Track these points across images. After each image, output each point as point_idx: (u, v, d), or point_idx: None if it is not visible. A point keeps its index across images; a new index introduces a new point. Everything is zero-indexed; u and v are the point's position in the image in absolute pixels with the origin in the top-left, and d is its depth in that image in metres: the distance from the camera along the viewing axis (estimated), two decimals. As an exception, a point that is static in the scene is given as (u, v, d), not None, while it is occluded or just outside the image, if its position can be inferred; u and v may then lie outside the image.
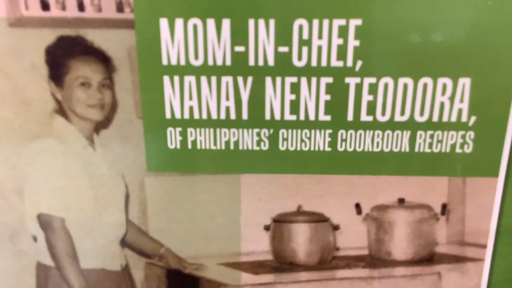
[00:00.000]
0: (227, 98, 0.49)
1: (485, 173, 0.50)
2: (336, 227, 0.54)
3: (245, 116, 0.49)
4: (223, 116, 0.50)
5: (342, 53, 0.46)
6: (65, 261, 0.56)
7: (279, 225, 0.55)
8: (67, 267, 0.56)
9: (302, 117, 0.49)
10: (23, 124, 0.51)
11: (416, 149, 0.50)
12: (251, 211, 0.54)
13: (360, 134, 0.49)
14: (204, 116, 0.50)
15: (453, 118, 0.48)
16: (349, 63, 0.47)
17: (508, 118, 0.48)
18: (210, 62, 0.47)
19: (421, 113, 0.48)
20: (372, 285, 0.56)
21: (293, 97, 0.48)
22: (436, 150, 0.49)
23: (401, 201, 0.53)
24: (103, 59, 0.48)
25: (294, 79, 0.48)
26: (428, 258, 0.54)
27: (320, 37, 0.46)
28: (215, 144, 0.51)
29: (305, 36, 0.46)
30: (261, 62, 0.47)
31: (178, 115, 0.50)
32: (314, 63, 0.47)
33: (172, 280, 0.57)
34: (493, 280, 0.54)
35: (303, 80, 0.48)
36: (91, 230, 0.55)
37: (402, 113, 0.48)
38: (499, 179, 0.50)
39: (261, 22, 0.46)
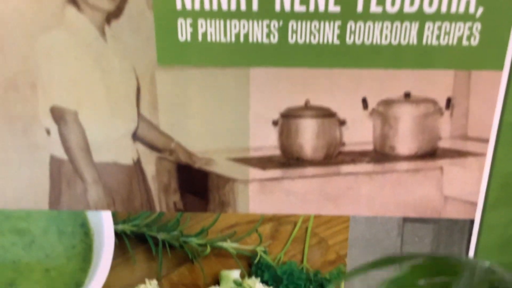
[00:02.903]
0: (238, -12, 0.52)
1: (490, 66, 0.54)
2: (342, 122, 0.59)
3: (255, 7, 0.53)
4: (233, 7, 0.53)
5: None
6: (78, 155, 0.61)
7: (287, 120, 0.59)
8: (80, 161, 0.61)
9: (311, 8, 0.53)
10: (35, 14, 0.54)
11: (424, 42, 0.53)
12: (259, 106, 0.59)
13: (369, 26, 0.53)
14: (215, 7, 0.53)
15: (461, 9, 0.51)
16: (360, -49, 0.50)
17: (515, 9, 0.51)
18: (221, -51, 0.50)
19: (430, 4, 0.51)
20: (375, 180, 0.61)
21: (303, -13, 0.52)
22: (443, 43, 0.53)
23: (407, 95, 0.57)
24: None
25: (304, -32, 0.51)
26: (431, 152, 0.60)
27: None
28: (225, 36, 0.54)
29: None
30: (272, -50, 0.50)
31: (189, 6, 0.53)
32: (325, -49, 0.50)
33: (182, 174, 0.62)
34: (494, 173, 0.60)
35: (314, -31, 0.51)
36: (103, 123, 0.60)
37: (412, 3, 0.51)
38: (504, 72, 0.54)
39: None
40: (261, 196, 0.63)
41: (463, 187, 0.61)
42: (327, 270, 0.67)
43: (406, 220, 0.64)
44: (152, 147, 0.61)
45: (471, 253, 0.65)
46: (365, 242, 0.65)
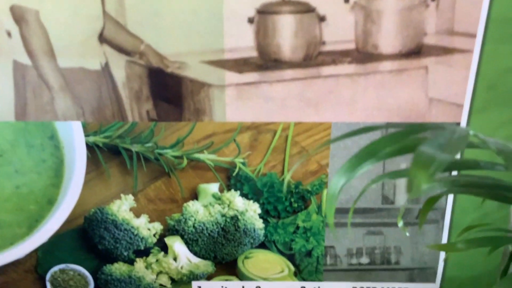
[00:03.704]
0: None
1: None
2: (322, 18, 0.57)
3: None
4: None
5: None
6: (42, 59, 0.58)
7: (263, 17, 0.57)
8: (44, 66, 0.59)
9: None
10: None
11: None
12: (234, 1, 0.56)
13: None
14: None
15: None
16: None
17: None
18: None
19: None
20: (357, 82, 0.60)
21: None
22: None
23: (390, -14, 0.55)
24: None
25: None
26: (416, 50, 0.58)
27: None
28: None
29: None
30: None
31: None
32: None
33: (154, 80, 0.60)
34: (481, 72, 0.58)
35: None
36: (67, 24, 0.57)
37: None
38: (493, -43, 0.52)
39: None
40: (238, 102, 0.61)
41: (449, 88, 0.59)
42: (308, 181, 0.66)
43: (389, 125, 0.62)
44: (120, 49, 0.59)
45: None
46: (347, 151, 0.64)
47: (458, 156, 0.61)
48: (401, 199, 0.66)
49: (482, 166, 0.40)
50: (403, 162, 0.64)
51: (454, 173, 0.57)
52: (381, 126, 0.36)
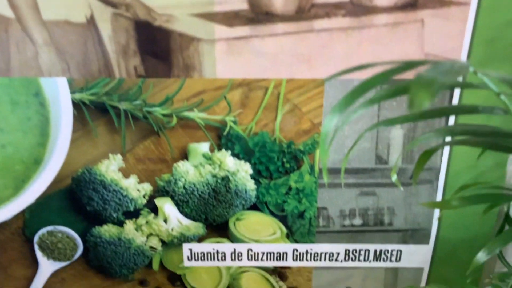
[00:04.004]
0: None
1: None
2: (315, -32, 0.55)
3: None
4: None
5: None
6: (25, 11, 0.57)
7: (254, -33, 0.55)
8: (28, 19, 0.57)
9: None
10: None
11: None
12: (223, -50, 0.54)
13: None
14: None
15: None
16: None
17: None
18: None
19: None
20: (352, 37, 0.58)
21: None
22: None
23: None
24: None
25: None
26: (411, 2, 0.56)
27: None
28: None
29: None
30: None
31: None
32: None
33: (142, 33, 0.58)
34: (478, 26, 0.57)
35: None
36: (50, -27, 0.55)
37: None
38: None
39: None
40: (228, 58, 0.60)
41: (445, 42, 0.58)
42: (301, 140, 0.65)
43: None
44: (105, 1, 0.57)
45: (452, 120, 0.63)
46: (341, 109, 0.63)
47: (456, 102, 0.60)
48: (395, 159, 0.66)
49: (481, 110, 0.39)
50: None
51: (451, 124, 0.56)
52: (379, 63, 0.35)
